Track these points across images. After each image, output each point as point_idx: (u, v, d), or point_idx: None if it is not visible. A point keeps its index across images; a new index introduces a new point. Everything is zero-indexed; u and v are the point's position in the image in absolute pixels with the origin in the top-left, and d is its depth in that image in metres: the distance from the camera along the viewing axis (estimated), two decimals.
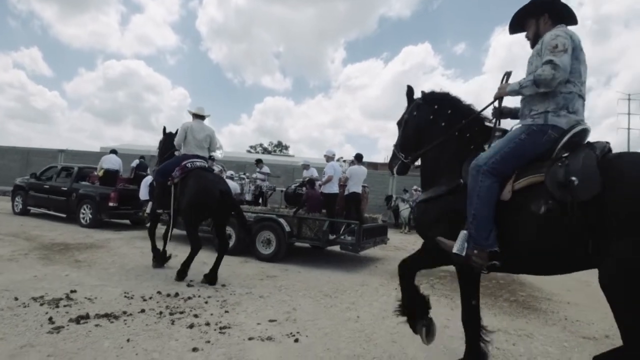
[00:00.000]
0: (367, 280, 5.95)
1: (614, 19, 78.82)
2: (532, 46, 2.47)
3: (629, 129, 35.18)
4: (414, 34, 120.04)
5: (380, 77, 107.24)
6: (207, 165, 5.64)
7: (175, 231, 6.28)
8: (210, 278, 5.04)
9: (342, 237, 6.80)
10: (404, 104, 3.13)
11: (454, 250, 2.28)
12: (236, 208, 5.67)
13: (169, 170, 5.46)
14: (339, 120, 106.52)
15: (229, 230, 7.25)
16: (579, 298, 5.32)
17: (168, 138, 6.17)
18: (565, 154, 2.07)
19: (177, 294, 4.40)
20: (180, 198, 5.26)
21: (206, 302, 4.22)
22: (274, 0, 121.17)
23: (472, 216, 2.22)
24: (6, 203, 12.58)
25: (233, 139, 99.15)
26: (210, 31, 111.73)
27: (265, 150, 52.22)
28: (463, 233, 2.28)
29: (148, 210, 6.29)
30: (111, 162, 10.90)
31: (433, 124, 2.78)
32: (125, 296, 4.22)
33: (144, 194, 8.55)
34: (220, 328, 3.47)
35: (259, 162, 11.05)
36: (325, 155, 8.50)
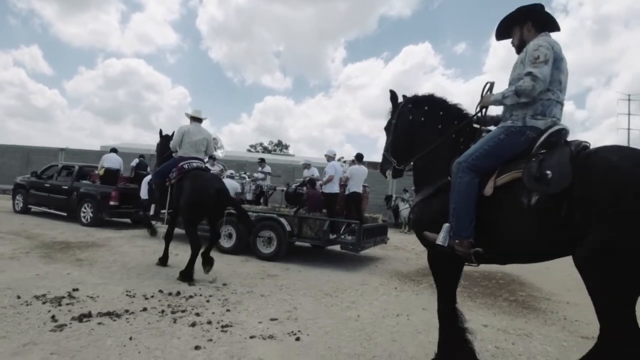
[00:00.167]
0: (367, 280, 5.98)
1: (614, 19, 78.98)
2: (518, 52, 2.58)
3: (629, 129, 35.24)
4: (414, 33, 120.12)
5: (380, 76, 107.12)
6: (204, 166, 5.69)
7: (176, 230, 6.29)
8: (205, 259, 5.12)
9: (343, 236, 6.83)
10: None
11: (438, 242, 2.42)
12: (234, 204, 5.72)
13: (167, 172, 5.53)
14: (339, 119, 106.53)
15: (230, 229, 7.30)
16: (578, 298, 5.34)
17: (165, 140, 6.20)
18: (543, 151, 2.21)
19: (178, 293, 4.43)
20: (178, 198, 5.32)
21: (208, 301, 4.24)
22: None
23: (452, 210, 2.37)
24: (7, 201, 12.59)
25: (233, 138, 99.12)
26: (211, 30, 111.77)
27: (266, 150, 52.20)
28: (445, 225, 2.41)
29: (152, 212, 6.31)
30: (112, 161, 10.92)
31: (425, 126, 2.84)
32: (127, 295, 4.24)
33: (144, 192, 8.57)
34: (222, 326, 3.50)
35: (262, 161, 11.05)
36: (326, 155, 8.52)
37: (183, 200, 5.21)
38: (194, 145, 5.63)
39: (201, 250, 5.18)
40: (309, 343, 3.31)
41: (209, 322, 3.56)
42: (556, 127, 2.32)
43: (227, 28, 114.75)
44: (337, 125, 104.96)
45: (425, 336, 3.65)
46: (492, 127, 2.72)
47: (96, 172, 10.88)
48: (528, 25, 2.53)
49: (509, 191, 2.24)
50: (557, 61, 2.36)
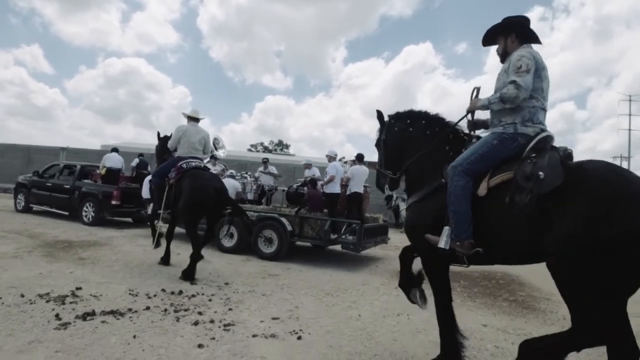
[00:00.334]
0: (368, 280, 6.01)
1: (616, 19, 78.87)
2: (502, 61, 2.78)
3: (629, 130, 35.21)
4: (415, 33, 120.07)
5: (381, 76, 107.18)
6: (202, 165, 5.73)
7: (177, 230, 6.33)
8: (195, 256, 5.13)
9: (344, 236, 6.87)
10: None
11: (440, 245, 2.53)
12: (232, 204, 5.76)
13: (166, 172, 5.58)
14: (340, 119, 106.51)
15: (232, 229, 7.33)
16: None
17: (164, 142, 6.22)
18: (533, 155, 2.38)
19: (181, 292, 4.46)
20: (177, 198, 5.37)
21: (210, 300, 4.28)
22: None
23: (451, 213, 2.50)
24: (8, 200, 12.63)
25: (234, 137, 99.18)
26: (211, 29, 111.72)
27: (266, 149, 52.22)
28: (446, 229, 2.52)
29: (149, 211, 6.35)
30: (113, 161, 10.97)
31: (412, 136, 3.07)
32: (130, 293, 4.27)
33: (146, 192, 8.60)
34: (225, 325, 3.53)
35: (266, 161, 11.04)
36: (327, 156, 8.56)
37: (183, 200, 5.25)
38: (192, 144, 5.68)
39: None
40: (311, 342, 3.34)
41: (212, 321, 3.60)
42: (544, 134, 2.51)
43: (227, 27, 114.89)
44: (337, 125, 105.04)
45: (425, 335, 3.68)
46: (481, 131, 2.91)
47: (98, 171, 10.92)
48: (512, 36, 2.71)
49: (501, 191, 2.38)
50: (539, 70, 2.53)
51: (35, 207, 11.11)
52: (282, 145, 55.85)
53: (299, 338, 3.39)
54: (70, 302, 3.84)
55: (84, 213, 9.78)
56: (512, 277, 6.67)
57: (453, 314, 2.85)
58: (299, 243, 7.51)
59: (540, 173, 2.20)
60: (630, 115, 35.09)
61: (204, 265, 5.60)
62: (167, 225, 6.18)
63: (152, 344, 3.04)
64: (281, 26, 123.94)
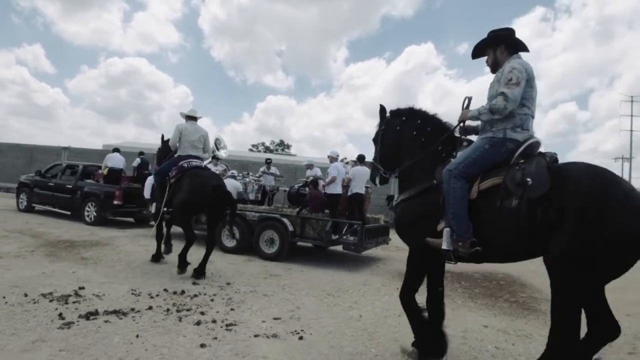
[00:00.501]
0: (369, 280, 6.03)
1: (618, 19, 78.45)
2: (492, 71, 2.90)
3: (631, 130, 35.06)
4: (416, 33, 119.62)
5: (382, 76, 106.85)
6: (203, 165, 5.82)
7: (178, 230, 6.35)
8: (198, 272, 5.21)
9: (345, 237, 6.88)
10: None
11: (443, 247, 2.62)
12: (230, 202, 5.82)
13: (167, 171, 5.67)
14: (341, 119, 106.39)
15: (233, 229, 7.34)
16: None
17: (165, 145, 6.30)
18: (522, 161, 2.50)
19: (183, 292, 4.48)
20: (174, 197, 5.46)
21: (212, 300, 4.30)
22: None
23: (451, 214, 2.59)
24: (11, 200, 12.67)
25: (235, 137, 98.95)
26: (213, 29, 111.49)
27: (268, 149, 52.26)
28: (447, 230, 2.62)
29: (153, 210, 6.40)
30: (115, 161, 11.01)
31: (408, 135, 3.15)
32: (132, 293, 4.30)
33: (148, 192, 8.63)
34: (227, 325, 3.55)
35: (269, 162, 11.03)
36: (328, 156, 8.57)
37: (181, 196, 5.33)
38: (192, 143, 5.76)
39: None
40: (312, 342, 3.36)
41: (214, 321, 3.62)
42: (532, 140, 2.64)
43: (229, 27, 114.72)
44: (339, 125, 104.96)
45: None
46: (473, 137, 3.01)
47: (100, 171, 10.95)
48: (501, 47, 2.84)
49: (491, 194, 2.52)
50: (530, 80, 2.66)
51: (38, 207, 11.15)
52: (283, 146, 55.91)
53: (301, 338, 3.41)
54: (74, 302, 3.87)
55: (86, 213, 9.81)
56: (513, 278, 6.68)
57: (441, 303, 3.07)
58: (300, 243, 7.53)
59: (528, 179, 2.33)
60: (632, 116, 34.97)
61: (208, 265, 5.61)
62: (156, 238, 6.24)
63: (155, 343, 3.06)
64: (283, 26, 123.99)
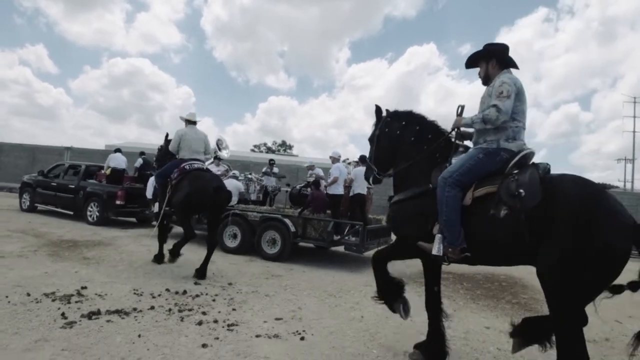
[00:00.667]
0: (370, 281, 5.97)
1: (620, 20, 78.17)
2: (483, 83, 3.02)
3: (634, 132, 34.96)
4: (418, 34, 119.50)
5: (384, 77, 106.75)
6: (204, 167, 5.87)
7: (179, 230, 6.36)
8: (200, 273, 5.26)
9: (347, 237, 6.88)
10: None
11: (434, 252, 2.71)
12: (227, 203, 5.88)
13: (169, 172, 5.73)
14: (343, 120, 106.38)
15: (235, 230, 7.37)
16: None
17: (168, 144, 6.31)
18: (515, 171, 2.58)
19: (185, 292, 4.49)
20: (176, 197, 5.49)
21: (214, 300, 4.30)
22: None
23: (444, 221, 2.67)
24: (14, 200, 12.72)
25: (237, 138, 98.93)
26: (215, 30, 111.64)
27: (270, 150, 52.29)
28: (438, 236, 2.70)
29: (155, 209, 6.42)
30: (118, 161, 11.05)
31: (404, 139, 3.21)
32: (134, 293, 4.31)
33: (150, 192, 8.65)
34: (228, 325, 3.56)
35: (272, 163, 11.02)
36: (331, 157, 8.58)
37: (180, 196, 5.37)
38: (193, 147, 5.85)
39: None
40: (314, 343, 3.37)
41: (216, 321, 3.62)
42: (526, 151, 2.73)
43: (231, 28, 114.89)
44: (340, 126, 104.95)
45: None
46: (468, 142, 3.12)
47: (103, 171, 10.98)
48: (493, 62, 2.94)
49: (485, 202, 2.61)
50: (519, 94, 2.76)
51: (40, 207, 11.18)
52: (285, 146, 55.91)
53: (302, 339, 3.42)
54: (76, 301, 3.88)
55: (88, 213, 9.84)
56: (515, 279, 6.67)
57: (439, 302, 3.18)
58: (302, 244, 7.53)
59: (521, 190, 2.42)
60: (634, 117, 34.87)
61: (208, 265, 5.62)
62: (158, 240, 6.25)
63: (157, 343, 3.07)
64: (285, 27, 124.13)
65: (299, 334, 3.52)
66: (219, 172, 8.92)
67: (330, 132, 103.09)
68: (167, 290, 4.51)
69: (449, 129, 3.09)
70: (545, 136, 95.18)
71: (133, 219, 10.77)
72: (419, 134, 3.16)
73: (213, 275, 5.46)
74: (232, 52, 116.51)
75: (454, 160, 2.91)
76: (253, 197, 9.96)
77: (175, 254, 5.38)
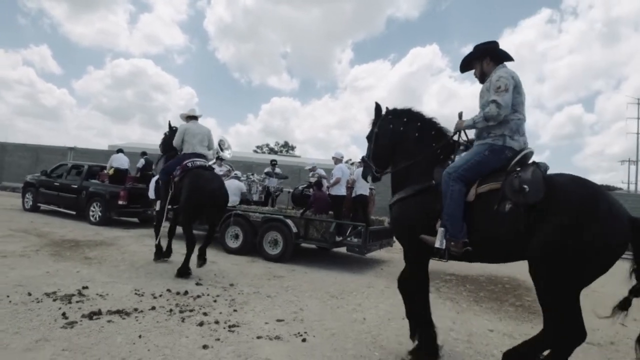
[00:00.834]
0: (373, 283, 5.99)
1: (624, 21, 77.80)
2: (481, 82, 3.05)
3: (638, 133, 34.71)
4: (421, 35, 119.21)
5: (387, 78, 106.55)
6: (207, 165, 5.84)
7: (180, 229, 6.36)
8: (199, 256, 5.31)
9: (349, 238, 6.85)
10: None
11: (436, 245, 2.73)
12: (224, 208, 5.88)
13: (172, 170, 5.72)
14: (346, 121, 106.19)
15: (237, 230, 7.36)
16: (584, 304, 5.27)
17: (173, 135, 6.27)
18: (518, 169, 2.62)
19: (186, 292, 4.47)
20: (178, 196, 5.50)
21: (215, 301, 4.28)
22: (281, 0, 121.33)
23: (447, 215, 2.70)
24: (16, 199, 12.75)
25: (239, 139, 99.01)
26: (218, 31, 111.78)
27: (272, 151, 52.30)
28: (441, 230, 2.72)
29: (157, 207, 6.41)
30: (120, 161, 11.06)
31: (406, 136, 3.22)
32: (135, 293, 4.29)
33: (152, 192, 8.64)
34: (229, 326, 3.53)
35: (275, 164, 11.01)
36: (333, 158, 8.55)
37: (182, 199, 5.37)
38: (196, 142, 5.81)
39: (198, 246, 5.41)
40: (315, 344, 3.34)
41: (217, 322, 3.60)
42: (527, 150, 2.80)
43: (234, 29, 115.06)
44: (343, 127, 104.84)
45: None
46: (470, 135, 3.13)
47: (105, 171, 11.00)
48: (487, 60, 3.00)
49: (488, 198, 2.64)
50: (517, 87, 2.81)
51: (43, 207, 11.21)
52: (287, 147, 55.90)
53: (304, 340, 3.39)
54: (77, 301, 3.86)
55: (91, 213, 9.86)
56: (518, 281, 6.63)
57: (429, 305, 3.14)
58: (304, 245, 7.51)
59: (525, 187, 2.46)
60: (638, 118, 34.61)
61: (210, 266, 5.62)
62: (168, 235, 6.33)
63: (158, 344, 3.04)
64: (287, 28, 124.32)
65: (301, 335, 3.49)
66: (221, 173, 8.91)
67: (332, 133, 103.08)
68: (169, 290, 4.49)
69: (449, 129, 3.12)
70: (548, 138, 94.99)
71: (135, 219, 10.78)
72: (420, 131, 3.18)
73: (215, 275, 5.45)
74: (235, 53, 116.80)
75: (457, 158, 2.94)
76: (255, 197, 9.94)
77: (185, 273, 5.25)
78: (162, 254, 6.09)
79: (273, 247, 7.05)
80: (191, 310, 3.89)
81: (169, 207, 5.83)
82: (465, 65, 3.14)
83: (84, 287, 4.29)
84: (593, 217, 2.29)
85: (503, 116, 2.73)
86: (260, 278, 5.61)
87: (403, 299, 3.25)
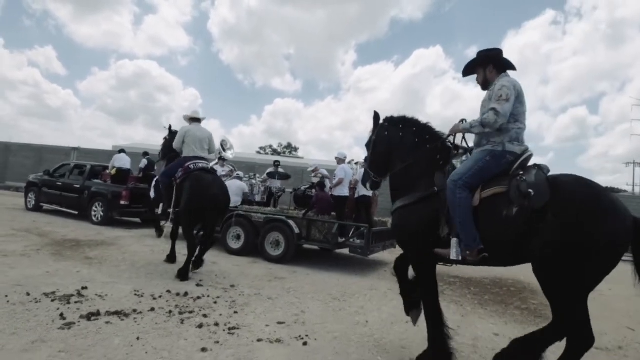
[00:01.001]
0: (375, 285, 5.92)
1: (629, 23, 77.46)
2: (482, 88, 3.08)
3: None
4: (425, 36, 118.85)
5: (390, 80, 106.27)
6: (209, 167, 5.78)
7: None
8: (196, 264, 5.30)
9: (352, 240, 6.77)
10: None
11: (452, 257, 2.71)
12: (223, 213, 5.87)
13: (173, 172, 5.67)
14: (349, 122, 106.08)
15: (239, 231, 7.31)
16: (591, 308, 5.19)
17: (173, 137, 6.24)
18: (521, 172, 2.65)
19: (186, 294, 4.42)
20: (180, 199, 5.44)
21: (215, 303, 4.22)
22: (285, 1, 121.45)
23: (459, 224, 2.68)
24: (19, 199, 12.76)
25: (243, 140, 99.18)
26: (222, 32, 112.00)
27: (275, 152, 52.30)
28: (454, 240, 2.71)
29: (160, 210, 6.38)
30: (123, 161, 11.07)
31: (401, 140, 3.26)
32: (135, 294, 4.24)
33: (153, 192, 8.62)
34: (229, 329, 3.47)
35: (278, 164, 10.98)
36: (336, 158, 8.49)
37: (183, 202, 5.32)
38: (197, 144, 5.76)
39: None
40: (317, 348, 3.27)
41: (216, 324, 3.54)
42: (528, 154, 2.82)
43: (238, 31, 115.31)
44: (346, 128, 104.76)
45: None
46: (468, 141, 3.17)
47: (108, 171, 11.00)
48: (490, 67, 3.01)
49: (493, 202, 2.65)
50: (519, 97, 2.83)
51: (46, 206, 11.21)
52: (290, 148, 55.90)
53: (305, 344, 3.32)
54: (76, 302, 3.81)
55: (93, 213, 9.84)
56: (523, 284, 6.53)
57: (441, 311, 3.07)
58: (306, 246, 7.45)
59: (531, 190, 2.48)
60: None
61: (211, 267, 5.58)
62: (170, 238, 6.24)
63: (156, 346, 2.99)
64: (291, 29, 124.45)
65: (302, 338, 3.42)
66: (223, 173, 8.88)
67: (335, 135, 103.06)
68: (169, 291, 4.44)
69: (446, 133, 3.14)
70: (552, 139, 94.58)
71: (137, 219, 10.76)
72: (415, 135, 3.21)
73: (215, 276, 5.39)
74: (239, 55, 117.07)
75: (457, 164, 3.00)
76: (257, 198, 9.89)
77: (184, 275, 5.15)
78: (173, 259, 6.03)
79: (275, 248, 6.99)
80: (191, 312, 3.83)
81: (171, 209, 5.79)
82: (468, 70, 3.16)
83: (83, 288, 4.24)
84: (594, 216, 2.32)
85: (500, 124, 2.75)
86: (261, 279, 5.54)
87: (397, 278, 3.35)
